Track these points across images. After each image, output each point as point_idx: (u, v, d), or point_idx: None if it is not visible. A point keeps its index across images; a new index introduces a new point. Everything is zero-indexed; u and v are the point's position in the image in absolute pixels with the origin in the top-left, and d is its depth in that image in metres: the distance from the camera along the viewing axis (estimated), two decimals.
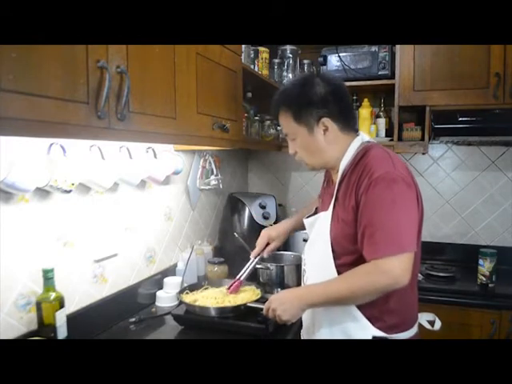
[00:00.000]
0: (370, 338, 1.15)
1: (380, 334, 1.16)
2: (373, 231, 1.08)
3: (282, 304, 1.18)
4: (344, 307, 1.17)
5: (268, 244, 1.53)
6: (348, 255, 1.16)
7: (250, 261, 1.55)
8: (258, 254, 1.53)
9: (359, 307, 1.16)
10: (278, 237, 1.53)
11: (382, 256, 1.06)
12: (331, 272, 1.18)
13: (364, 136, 1.27)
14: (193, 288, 1.62)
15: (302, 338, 1.40)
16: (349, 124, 1.24)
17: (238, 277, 1.55)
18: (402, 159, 1.22)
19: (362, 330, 1.16)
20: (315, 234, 1.30)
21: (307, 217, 1.39)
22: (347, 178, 1.19)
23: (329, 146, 1.22)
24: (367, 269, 1.08)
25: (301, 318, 1.34)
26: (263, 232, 1.55)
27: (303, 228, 1.46)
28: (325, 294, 1.14)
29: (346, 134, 1.23)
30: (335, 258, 1.19)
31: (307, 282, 1.31)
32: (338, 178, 1.22)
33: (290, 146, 1.29)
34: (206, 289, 1.63)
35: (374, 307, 1.15)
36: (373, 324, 1.16)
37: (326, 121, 1.19)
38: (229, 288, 1.54)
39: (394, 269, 1.04)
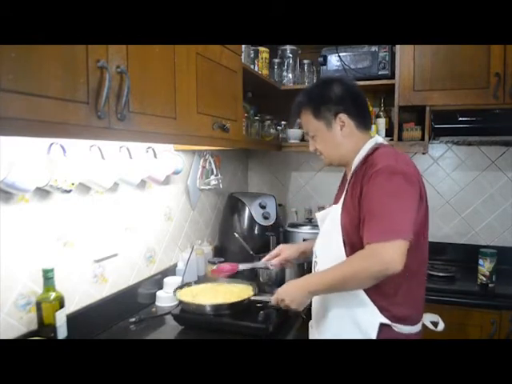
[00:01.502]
0: (377, 324, 1.19)
1: (387, 322, 1.20)
2: (370, 218, 1.14)
3: (288, 295, 1.26)
4: (354, 294, 1.21)
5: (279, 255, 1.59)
6: (358, 244, 1.19)
7: (257, 262, 1.62)
8: (268, 260, 1.59)
9: (369, 296, 1.20)
10: (289, 250, 1.58)
11: (375, 240, 1.10)
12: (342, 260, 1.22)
13: (379, 138, 1.34)
14: (189, 285, 1.64)
15: (310, 328, 1.43)
16: (364, 123, 1.32)
17: (237, 264, 1.61)
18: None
19: (371, 316, 1.20)
20: (327, 226, 1.35)
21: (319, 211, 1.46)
22: (357, 172, 1.26)
23: (345, 140, 1.30)
24: (361, 254, 1.13)
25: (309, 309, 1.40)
26: (279, 245, 1.63)
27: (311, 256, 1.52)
28: (322, 281, 1.20)
29: (361, 131, 1.31)
30: (346, 246, 1.24)
31: None
32: (349, 174, 1.30)
33: (310, 143, 1.38)
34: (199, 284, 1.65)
35: (383, 298, 1.20)
36: (381, 313, 1.20)
37: (343, 116, 1.28)
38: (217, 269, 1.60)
39: (386, 253, 1.08)
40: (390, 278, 1.12)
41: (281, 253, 1.58)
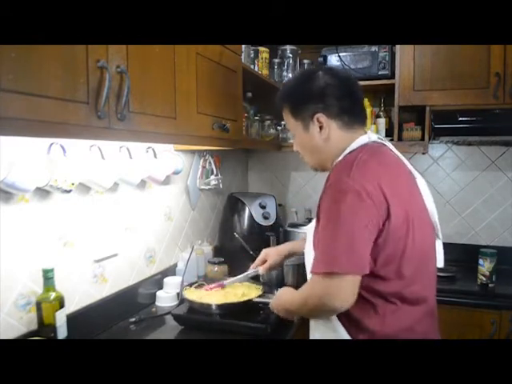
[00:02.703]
0: None
1: None
2: (316, 244, 1.05)
3: (278, 305, 1.26)
4: (332, 327, 1.12)
5: (266, 261, 1.53)
6: None
7: (248, 271, 1.56)
8: (255, 267, 1.55)
9: (348, 331, 1.11)
10: (274, 256, 1.52)
11: (314, 273, 1.02)
12: None
13: (372, 135, 1.17)
14: (191, 285, 1.64)
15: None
16: (353, 121, 1.15)
17: (224, 283, 1.57)
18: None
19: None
20: (307, 241, 1.26)
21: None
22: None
23: (326, 145, 1.15)
24: (307, 284, 1.09)
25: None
26: (263, 250, 1.57)
27: (300, 253, 1.45)
28: (290, 301, 1.19)
29: (349, 132, 1.15)
30: None
31: None
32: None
33: (294, 143, 1.26)
34: (200, 285, 1.64)
35: (363, 334, 1.10)
36: None
37: (321, 116, 1.13)
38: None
39: (321, 289, 1.00)
40: (366, 309, 1.05)
41: (267, 258, 1.52)
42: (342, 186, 1.00)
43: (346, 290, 0.98)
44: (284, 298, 1.26)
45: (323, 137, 1.15)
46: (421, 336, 1.11)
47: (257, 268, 1.54)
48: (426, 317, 1.15)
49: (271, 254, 1.52)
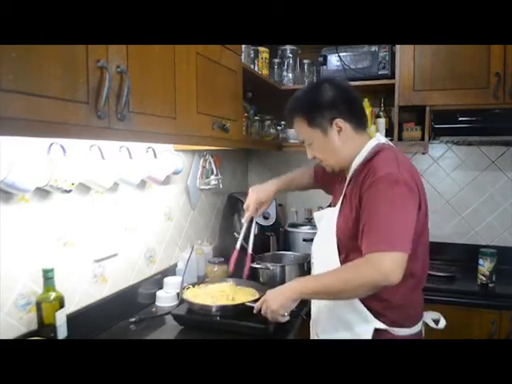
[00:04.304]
0: (371, 330, 1.19)
1: (382, 326, 1.19)
2: (370, 227, 1.11)
3: (275, 298, 1.24)
4: (347, 300, 1.20)
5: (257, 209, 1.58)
6: (353, 252, 1.18)
7: (244, 226, 1.61)
8: (251, 219, 1.60)
9: (363, 301, 1.19)
10: (268, 200, 1.57)
11: (374, 251, 1.08)
12: (336, 266, 1.21)
13: (381, 138, 1.30)
14: (194, 284, 1.64)
15: (311, 327, 1.43)
16: (361, 124, 1.27)
17: (237, 247, 1.60)
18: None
19: (364, 321, 1.20)
20: (323, 229, 1.34)
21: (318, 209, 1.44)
22: (356, 176, 1.22)
23: (344, 146, 1.25)
24: (359, 262, 1.11)
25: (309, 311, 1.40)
26: (252, 195, 1.56)
27: (288, 189, 1.64)
28: (316, 284, 1.18)
29: (359, 133, 1.26)
30: (340, 253, 1.23)
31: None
32: (348, 176, 1.26)
33: (308, 151, 1.33)
34: (206, 285, 1.63)
35: (378, 303, 1.19)
36: (376, 318, 1.19)
37: (340, 121, 1.23)
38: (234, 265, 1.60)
39: (385, 264, 1.06)
40: None
41: (260, 204, 1.55)
42: (396, 178, 1.12)
43: (401, 267, 1.07)
44: (298, 282, 1.23)
45: (342, 139, 1.25)
46: (413, 306, 1.26)
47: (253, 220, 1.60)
48: (421, 291, 1.30)
49: (266, 200, 1.56)
